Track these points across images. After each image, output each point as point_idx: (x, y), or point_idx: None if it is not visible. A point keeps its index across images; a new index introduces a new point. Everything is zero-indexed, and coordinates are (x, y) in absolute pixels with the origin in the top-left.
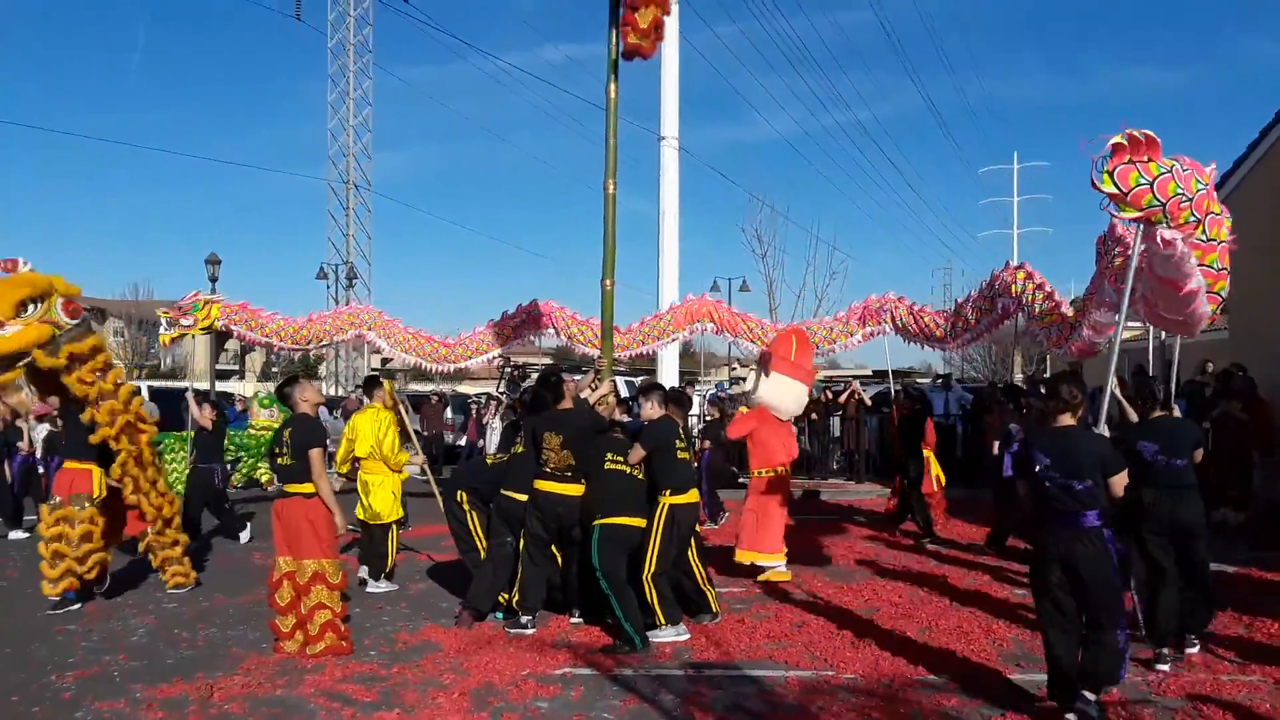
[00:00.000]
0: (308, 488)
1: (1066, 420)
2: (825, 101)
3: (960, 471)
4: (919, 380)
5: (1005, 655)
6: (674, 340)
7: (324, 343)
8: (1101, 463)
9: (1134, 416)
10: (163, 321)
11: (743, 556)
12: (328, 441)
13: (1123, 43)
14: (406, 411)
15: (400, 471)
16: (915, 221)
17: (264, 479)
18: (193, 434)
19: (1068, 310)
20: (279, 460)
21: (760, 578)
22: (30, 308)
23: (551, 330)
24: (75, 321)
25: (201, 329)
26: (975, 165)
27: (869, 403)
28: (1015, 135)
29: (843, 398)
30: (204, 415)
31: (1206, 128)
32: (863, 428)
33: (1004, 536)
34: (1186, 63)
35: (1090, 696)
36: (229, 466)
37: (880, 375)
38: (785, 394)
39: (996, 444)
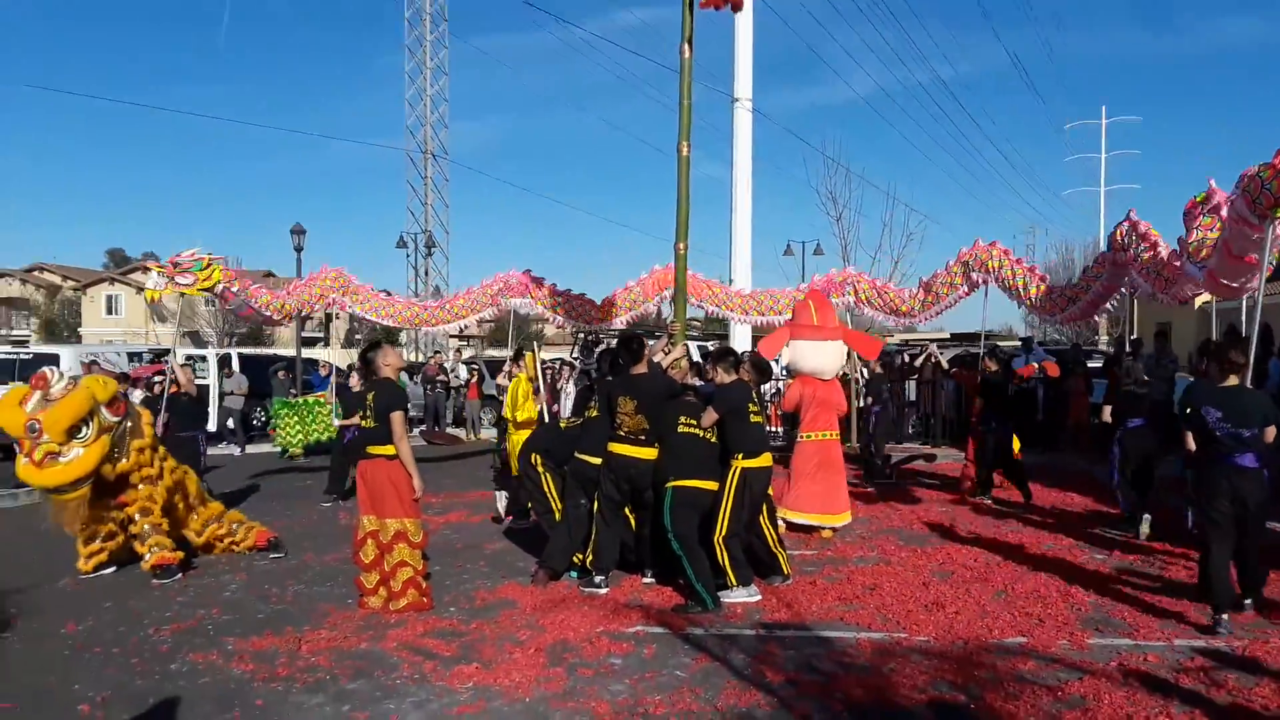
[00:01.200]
0: (390, 449)
1: (1233, 380)
2: (904, 58)
3: (1039, 436)
4: (1001, 342)
5: (1084, 619)
6: (645, 309)
7: (305, 313)
8: (1264, 414)
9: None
10: (153, 275)
11: (810, 519)
12: (409, 406)
13: None
14: (541, 378)
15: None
16: (997, 181)
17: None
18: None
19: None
20: (363, 423)
21: (824, 534)
22: (83, 429)
23: (529, 299)
24: (119, 418)
25: (201, 289)
26: (1061, 121)
27: (946, 366)
28: (1104, 89)
29: (919, 361)
30: (189, 380)
31: None
32: (939, 391)
33: (989, 483)
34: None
35: (1247, 601)
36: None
37: (959, 339)
38: (817, 356)
39: (977, 398)
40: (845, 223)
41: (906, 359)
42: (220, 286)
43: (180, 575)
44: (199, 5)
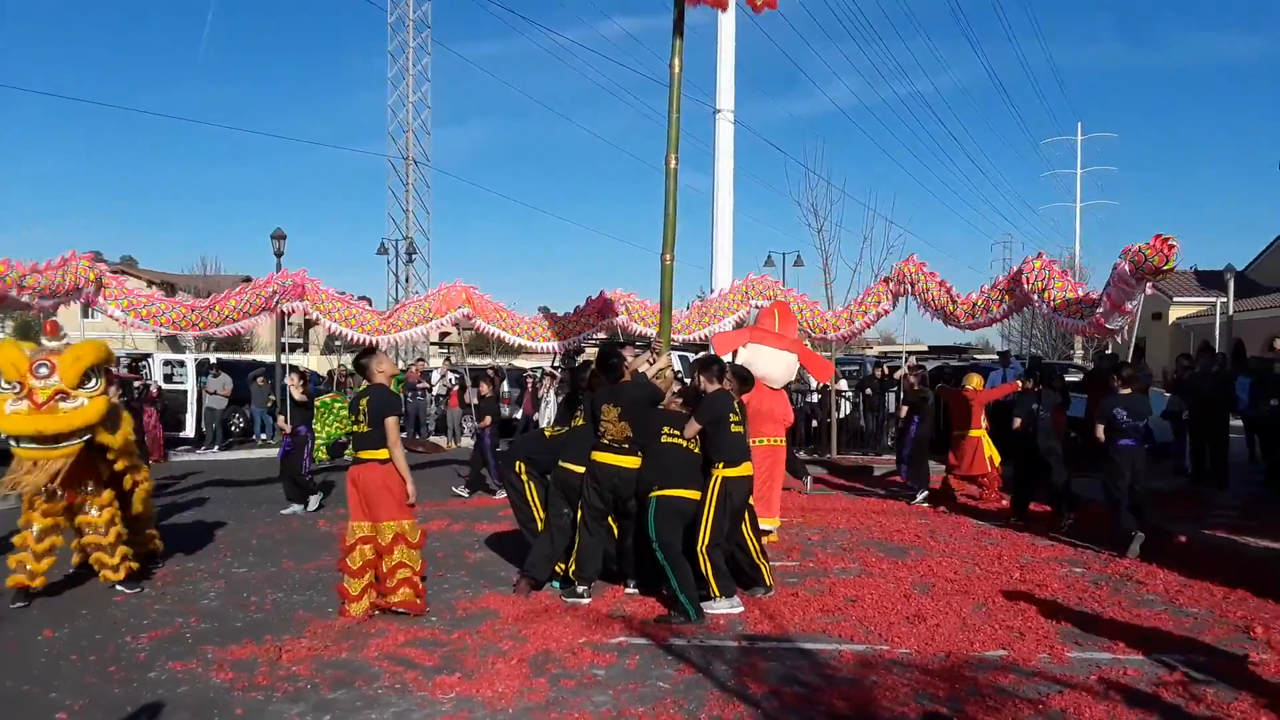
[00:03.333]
0: (383, 454)
1: (1127, 390)
2: (884, 72)
3: (1014, 447)
4: (977, 356)
5: (1064, 633)
6: (434, 325)
7: (48, 296)
8: (1149, 410)
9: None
10: None
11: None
12: (401, 412)
13: (1196, 4)
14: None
15: None
16: (975, 195)
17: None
18: None
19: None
20: (355, 428)
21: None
22: (93, 379)
23: (306, 303)
24: (113, 384)
25: None
26: (1038, 136)
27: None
28: (1080, 105)
29: (898, 374)
30: None
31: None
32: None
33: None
34: (1262, 27)
35: (1141, 535)
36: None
37: (937, 351)
38: (771, 363)
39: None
40: (826, 235)
41: (885, 370)
42: None
43: (139, 590)
44: (181, 9)
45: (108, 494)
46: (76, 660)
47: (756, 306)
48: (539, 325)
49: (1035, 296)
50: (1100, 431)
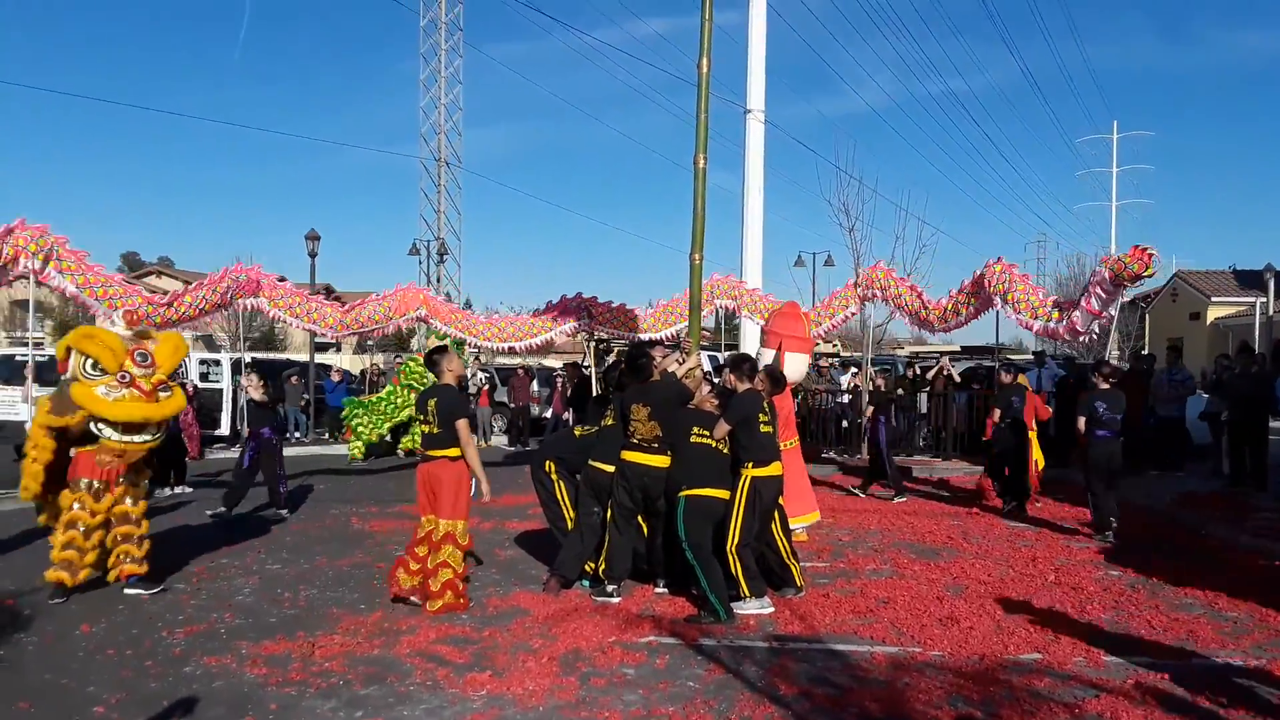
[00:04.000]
0: (453, 452)
1: (1106, 386)
2: (916, 71)
3: (1051, 449)
4: (1011, 356)
5: (1099, 636)
6: (392, 324)
7: None
8: (1125, 405)
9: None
10: None
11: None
12: (471, 412)
13: (1233, 1)
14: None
15: None
16: (1009, 194)
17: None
18: None
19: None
20: (424, 428)
21: (800, 536)
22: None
23: (263, 299)
24: None
25: None
26: (1073, 135)
27: (958, 379)
28: (1116, 103)
29: (931, 374)
30: None
31: None
32: (951, 404)
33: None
34: None
35: (1114, 523)
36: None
37: (970, 351)
38: (801, 368)
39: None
40: (858, 235)
41: (918, 371)
42: None
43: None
44: (216, 10)
45: (142, 488)
46: (113, 654)
47: (721, 308)
48: (495, 326)
49: (998, 299)
50: (1081, 424)
